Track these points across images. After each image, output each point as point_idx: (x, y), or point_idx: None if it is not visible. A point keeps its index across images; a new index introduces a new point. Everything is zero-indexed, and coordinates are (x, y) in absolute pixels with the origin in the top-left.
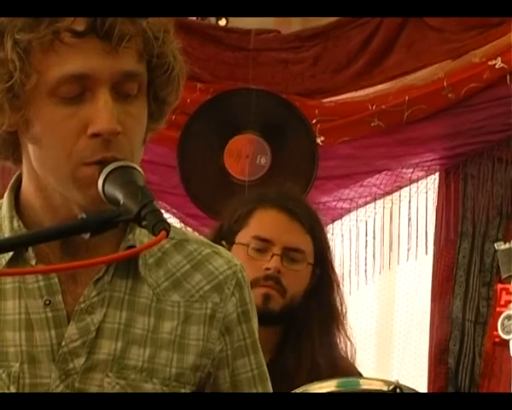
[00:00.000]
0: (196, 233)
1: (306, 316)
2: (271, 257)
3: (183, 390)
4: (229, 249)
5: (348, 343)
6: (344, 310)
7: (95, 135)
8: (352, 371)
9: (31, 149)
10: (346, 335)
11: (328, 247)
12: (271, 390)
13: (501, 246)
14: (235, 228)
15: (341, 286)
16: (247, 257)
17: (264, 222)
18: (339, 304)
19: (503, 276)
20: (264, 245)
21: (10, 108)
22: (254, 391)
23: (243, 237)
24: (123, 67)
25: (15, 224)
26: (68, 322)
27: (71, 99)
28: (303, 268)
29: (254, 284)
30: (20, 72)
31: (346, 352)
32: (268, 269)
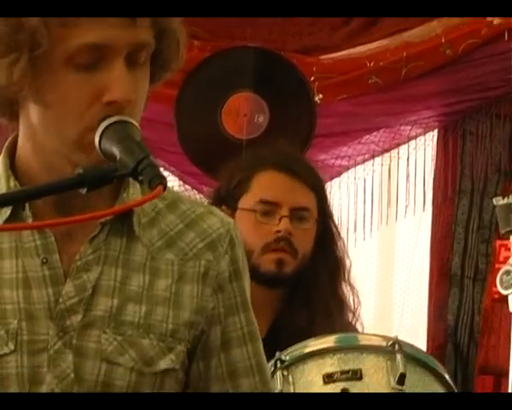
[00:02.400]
0: (195, 191)
1: (315, 271)
2: (280, 220)
3: (178, 346)
4: (233, 215)
5: (352, 293)
6: (347, 260)
7: (110, 103)
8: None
9: (35, 111)
10: (351, 284)
11: (327, 199)
12: (261, 350)
13: (499, 201)
14: (235, 194)
15: (342, 237)
16: (255, 222)
17: (267, 185)
18: (342, 254)
19: (502, 231)
20: (270, 208)
21: (22, 70)
22: (244, 350)
23: (246, 202)
24: (138, 38)
25: (12, 183)
26: (65, 280)
27: (86, 66)
28: (310, 226)
29: (266, 248)
30: (41, 35)
31: (353, 302)
32: (279, 232)
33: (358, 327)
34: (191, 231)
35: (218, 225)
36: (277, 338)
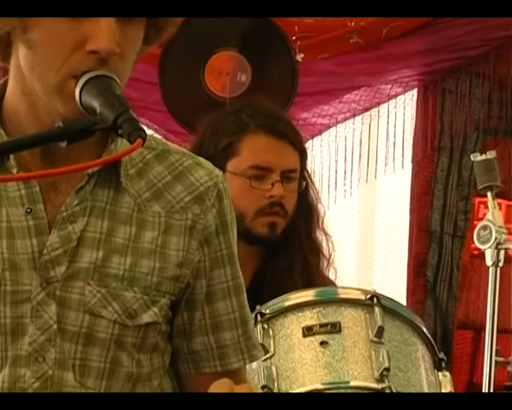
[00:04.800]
0: None
1: (294, 220)
2: (272, 185)
3: (162, 299)
4: None
5: (326, 239)
6: (321, 207)
7: (92, 52)
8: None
9: (23, 53)
10: (325, 231)
11: (307, 156)
12: (246, 303)
13: (477, 157)
14: (223, 156)
15: (315, 183)
16: (248, 187)
17: (259, 149)
18: (315, 201)
19: (479, 187)
20: (263, 173)
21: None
22: (228, 302)
23: (236, 166)
24: None
25: None
26: (50, 231)
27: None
28: (296, 185)
29: (259, 213)
30: None
31: (327, 247)
32: (272, 196)
33: (332, 273)
34: (179, 184)
35: (205, 177)
36: (260, 286)
